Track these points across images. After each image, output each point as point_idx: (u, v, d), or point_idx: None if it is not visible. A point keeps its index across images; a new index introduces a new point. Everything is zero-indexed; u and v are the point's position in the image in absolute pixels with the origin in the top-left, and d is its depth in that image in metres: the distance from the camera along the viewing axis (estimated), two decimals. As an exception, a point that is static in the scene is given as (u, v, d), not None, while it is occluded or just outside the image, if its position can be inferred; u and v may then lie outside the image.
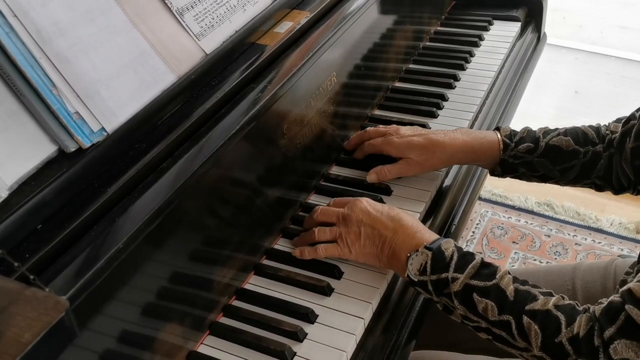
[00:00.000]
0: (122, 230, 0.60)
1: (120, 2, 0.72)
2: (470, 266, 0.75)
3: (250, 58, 0.84)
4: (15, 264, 0.49)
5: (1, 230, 0.56)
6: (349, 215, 0.86)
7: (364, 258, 0.85)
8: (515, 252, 2.03)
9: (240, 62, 0.83)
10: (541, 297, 0.72)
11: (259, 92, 0.79)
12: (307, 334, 0.79)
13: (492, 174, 1.01)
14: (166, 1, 0.78)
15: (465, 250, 0.78)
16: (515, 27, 1.46)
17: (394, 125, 1.05)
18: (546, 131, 0.97)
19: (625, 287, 0.68)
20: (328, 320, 0.81)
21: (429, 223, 0.98)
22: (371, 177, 1.01)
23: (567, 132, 0.96)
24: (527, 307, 0.71)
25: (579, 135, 0.95)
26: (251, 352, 0.78)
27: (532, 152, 0.95)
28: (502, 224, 2.15)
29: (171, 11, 0.78)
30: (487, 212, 2.21)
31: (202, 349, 0.78)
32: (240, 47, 0.85)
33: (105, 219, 0.61)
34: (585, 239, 2.06)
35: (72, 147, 0.64)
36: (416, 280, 0.78)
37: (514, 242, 2.09)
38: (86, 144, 0.65)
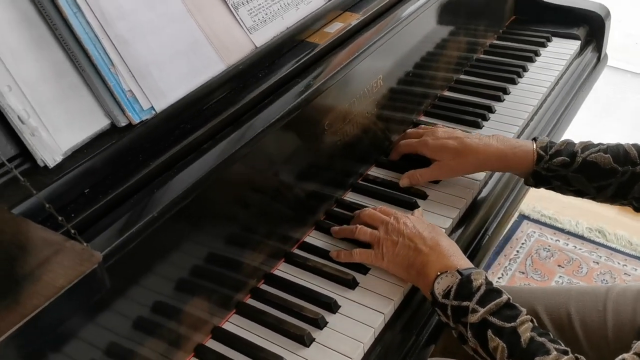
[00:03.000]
0: (159, 201, 0.65)
1: (180, -8, 0.78)
2: (493, 302, 0.75)
3: (298, 54, 0.87)
4: (60, 219, 0.54)
5: (53, 190, 0.62)
6: (392, 224, 0.87)
7: (394, 268, 0.86)
8: (560, 276, 1.99)
9: (288, 57, 0.87)
10: (554, 352, 0.70)
11: (303, 86, 0.83)
12: (327, 322, 0.82)
13: (526, 183, 1.01)
14: (223, -5, 0.83)
15: (496, 287, 0.78)
16: (574, 45, 1.44)
17: (432, 127, 1.06)
18: (586, 146, 0.96)
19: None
20: (349, 311, 0.83)
21: (461, 230, 0.99)
22: (404, 181, 1.03)
23: (608, 148, 0.94)
24: (536, 359, 0.71)
25: (620, 153, 0.94)
26: (273, 333, 0.81)
27: (567, 167, 0.94)
28: (549, 246, 2.11)
29: (227, 4, 0.83)
30: (534, 232, 2.17)
31: (227, 326, 0.82)
32: (290, 43, 0.89)
33: (145, 189, 0.66)
34: (636, 269, 1.99)
35: (122, 122, 0.70)
36: (439, 300, 0.78)
37: (559, 265, 2.05)
38: (136, 120, 0.70)
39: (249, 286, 0.86)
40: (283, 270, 0.90)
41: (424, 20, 1.13)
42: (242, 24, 0.84)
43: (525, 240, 2.15)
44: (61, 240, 0.53)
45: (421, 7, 1.05)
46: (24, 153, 0.64)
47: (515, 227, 2.21)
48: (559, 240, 2.13)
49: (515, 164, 0.99)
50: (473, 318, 0.74)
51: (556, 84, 1.34)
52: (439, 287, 0.78)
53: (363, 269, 0.89)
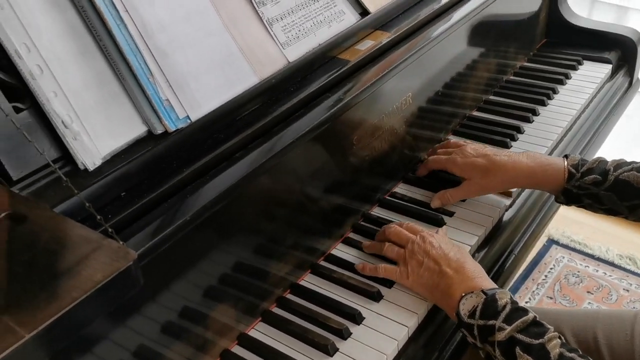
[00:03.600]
0: (191, 206, 0.67)
1: (217, 7, 0.81)
2: (520, 320, 0.75)
3: (329, 70, 0.90)
4: (98, 217, 0.57)
5: (91, 191, 0.64)
6: (418, 244, 0.88)
7: (419, 287, 0.87)
8: (589, 302, 1.96)
9: (319, 73, 0.89)
10: None
11: (333, 100, 0.85)
12: (352, 333, 0.83)
13: (557, 201, 1.01)
14: (258, 11, 0.86)
15: (521, 306, 0.78)
16: (606, 69, 1.44)
17: (460, 143, 1.07)
18: (619, 164, 0.95)
19: None
20: (373, 323, 0.84)
21: (486, 249, 0.99)
22: (435, 202, 1.03)
23: None
24: None
25: None
26: (297, 342, 0.82)
27: (599, 185, 0.94)
28: (578, 271, 2.08)
29: (262, 20, 0.86)
30: (564, 257, 2.14)
31: (253, 333, 0.84)
32: (322, 59, 0.91)
33: (179, 195, 0.69)
34: (666, 297, 1.96)
35: (159, 130, 0.73)
36: (465, 321, 0.78)
37: (588, 291, 2.02)
38: (171, 128, 0.73)
39: (275, 295, 0.88)
40: (309, 281, 0.91)
41: (453, 40, 1.15)
42: (275, 39, 0.87)
43: (554, 265, 2.12)
44: (99, 238, 0.55)
45: (450, 27, 1.07)
46: (65, 156, 0.67)
47: (544, 252, 2.19)
48: (588, 266, 2.10)
49: (546, 182, 0.99)
50: (500, 336, 0.74)
51: (586, 106, 1.35)
52: (465, 308, 0.78)
53: (388, 282, 0.90)
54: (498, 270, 1.00)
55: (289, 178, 0.85)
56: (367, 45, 0.96)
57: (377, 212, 1.04)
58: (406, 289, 0.89)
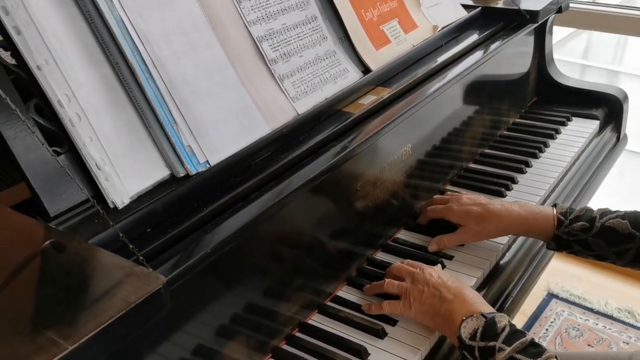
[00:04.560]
0: (210, 241, 0.73)
1: (234, 65, 0.89)
2: (519, 341, 0.79)
3: (335, 121, 0.97)
4: (131, 247, 0.63)
5: (121, 227, 0.70)
6: (418, 274, 0.94)
7: (422, 316, 0.91)
8: (590, 355, 1.98)
9: (326, 124, 0.97)
10: None
11: (338, 148, 0.92)
12: (358, 369, 0.87)
13: (548, 247, 1.06)
14: (271, 68, 0.94)
15: (519, 329, 0.82)
16: (593, 124, 1.53)
17: (457, 193, 1.14)
18: (604, 212, 1.02)
19: None
20: (378, 359, 0.88)
21: (484, 290, 1.04)
22: (432, 246, 1.09)
23: (625, 215, 1.00)
24: None
25: (637, 219, 0.99)
26: (306, 377, 0.86)
27: (587, 231, 1.00)
28: (579, 325, 2.10)
29: (274, 77, 0.95)
30: (564, 311, 2.17)
31: (264, 369, 0.88)
32: (328, 111, 0.99)
33: (199, 231, 0.75)
34: (667, 350, 1.97)
35: (181, 173, 0.79)
36: (466, 343, 0.83)
37: (589, 344, 2.04)
38: (192, 171, 0.80)
39: (284, 333, 0.92)
40: (317, 320, 0.96)
41: (448, 97, 1.24)
42: (286, 93, 0.95)
43: (555, 319, 2.15)
44: (131, 265, 0.61)
45: (445, 84, 1.15)
46: (97, 195, 0.73)
47: (545, 305, 2.22)
48: (588, 320, 2.12)
49: (537, 229, 1.05)
50: (500, 356, 0.79)
51: (576, 159, 1.42)
52: (465, 331, 0.83)
53: (392, 320, 0.94)
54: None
55: (299, 221, 0.91)
56: (369, 100, 1.05)
57: (381, 256, 1.10)
58: (409, 327, 0.93)
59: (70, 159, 0.73)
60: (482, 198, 1.12)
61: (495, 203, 1.09)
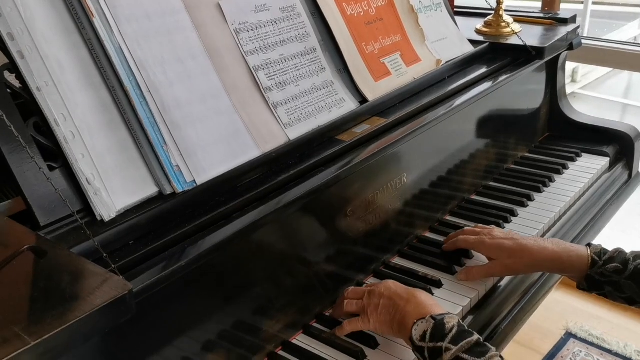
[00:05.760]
0: (188, 255, 0.77)
1: (229, 92, 0.95)
2: (465, 341, 0.82)
3: (326, 148, 1.02)
4: (104, 255, 0.67)
5: (105, 238, 0.76)
6: (372, 290, 0.97)
7: (381, 326, 0.94)
8: (606, 398, 1.93)
9: (316, 150, 1.01)
10: None
11: (327, 173, 0.96)
12: (336, 388, 0.89)
13: (579, 287, 1.06)
14: (265, 95, 0.99)
15: (468, 329, 0.85)
16: (603, 161, 1.53)
17: (488, 227, 1.15)
18: (638, 255, 1.01)
19: None
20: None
21: (471, 319, 1.05)
22: (461, 276, 1.10)
23: None
24: None
25: None
26: (283, 394, 0.89)
27: (620, 273, 1.00)
28: (596, 366, 2.05)
29: (268, 104, 1.00)
30: (581, 351, 2.12)
31: (242, 383, 0.91)
32: (320, 138, 1.03)
33: (179, 245, 0.79)
34: (686, 396, 1.90)
35: (168, 191, 0.84)
36: (417, 344, 0.86)
37: (605, 387, 1.99)
38: (179, 189, 0.85)
39: (267, 350, 0.95)
40: (300, 340, 0.99)
41: (450, 129, 1.26)
42: (279, 120, 1.00)
43: (571, 359, 2.10)
44: (104, 273, 0.66)
45: (442, 116, 1.18)
46: (86, 209, 0.79)
47: (562, 345, 2.17)
48: (606, 362, 2.07)
49: (570, 267, 1.05)
50: (447, 356, 0.82)
51: (582, 195, 1.42)
52: (416, 333, 0.86)
53: (372, 343, 0.96)
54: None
55: (284, 241, 0.95)
56: (363, 129, 1.08)
57: (372, 281, 1.12)
58: (389, 351, 0.95)
59: (63, 174, 0.79)
60: (514, 233, 1.13)
61: (528, 238, 1.09)
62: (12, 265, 0.65)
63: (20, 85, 0.79)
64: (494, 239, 1.09)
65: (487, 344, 0.83)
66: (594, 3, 4.76)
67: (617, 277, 1.00)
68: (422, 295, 0.93)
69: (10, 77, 0.79)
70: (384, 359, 0.94)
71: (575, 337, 2.18)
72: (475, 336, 0.83)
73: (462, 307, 1.04)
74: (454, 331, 0.84)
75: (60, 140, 0.78)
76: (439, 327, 0.85)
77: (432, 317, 0.86)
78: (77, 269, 0.67)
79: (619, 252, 1.03)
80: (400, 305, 0.91)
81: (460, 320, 0.86)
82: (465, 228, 1.18)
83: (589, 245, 1.06)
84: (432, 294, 1.07)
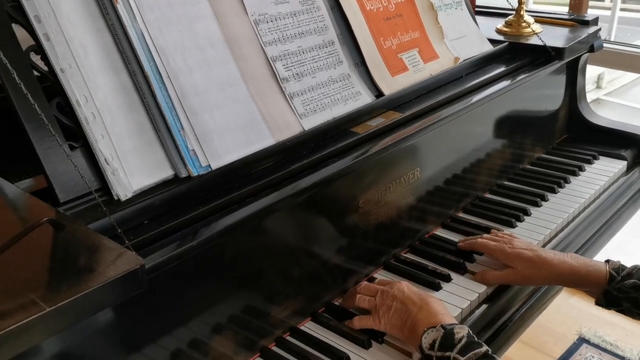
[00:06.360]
0: (200, 236, 0.80)
1: (246, 81, 0.97)
2: (473, 352, 0.83)
3: (339, 139, 1.03)
4: (119, 230, 0.70)
5: (121, 215, 0.78)
6: (386, 291, 0.98)
7: (391, 329, 0.95)
8: (617, 405, 1.91)
9: (330, 141, 1.03)
10: None
11: (338, 164, 0.97)
12: (341, 375, 0.91)
13: (597, 303, 1.06)
14: (282, 86, 1.01)
15: (477, 340, 0.86)
16: (620, 164, 1.52)
17: (508, 233, 1.16)
18: None
19: None
20: (362, 367, 0.92)
21: (478, 314, 1.05)
22: (477, 277, 1.11)
23: None
24: None
25: None
26: (290, 379, 0.91)
27: (638, 289, 1.00)
28: (607, 372, 2.04)
29: (284, 94, 1.02)
30: (593, 357, 2.11)
31: (250, 367, 0.93)
32: (334, 129, 1.05)
33: (191, 227, 0.81)
34: (699, 406, 1.88)
35: (183, 174, 0.87)
36: (425, 352, 0.86)
37: (616, 393, 1.97)
38: (194, 173, 0.87)
39: (275, 335, 0.97)
40: (308, 327, 1.00)
41: (465, 127, 1.27)
42: (295, 110, 1.02)
43: (584, 365, 2.09)
44: (119, 248, 0.68)
45: (455, 113, 1.19)
46: (104, 188, 0.81)
47: (574, 350, 2.16)
48: (618, 368, 2.05)
49: (588, 282, 1.05)
50: None
51: (597, 197, 1.41)
52: (426, 342, 0.87)
53: (380, 336, 0.97)
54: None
55: (295, 230, 0.97)
56: (378, 122, 1.10)
57: (382, 274, 1.13)
58: (394, 342, 0.96)
59: (83, 154, 0.82)
60: (534, 244, 1.13)
61: (548, 251, 1.09)
62: (32, 237, 0.67)
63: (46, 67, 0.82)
64: (515, 248, 1.10)
65: (496, 356, 0.83)
66: (624, 10, 4.69)
67: (635, 293, 1.00)
68: (434, 303, 0.94)
69: (36, 59, 0.82)
70: (389, 350, 0.95)
71: (588, 342, 2.17)
72: (484, 347, 0.84)
73: (469, 302, 1.05)
74: (463, 341, 0.84)
75: (81, 120, 0.80)
76: (448, 336, 0.85)
77: (442, 326, 0.87)
78: (93, 244, 0.69)
79: (637, 269, 1.03)
80: (412, 311, 0.92)
81: (470, 331, 0.86)
82: (485, 235, 1.18)
83: (607, 261, 1.06)
84: (441, 288, 1.08)
